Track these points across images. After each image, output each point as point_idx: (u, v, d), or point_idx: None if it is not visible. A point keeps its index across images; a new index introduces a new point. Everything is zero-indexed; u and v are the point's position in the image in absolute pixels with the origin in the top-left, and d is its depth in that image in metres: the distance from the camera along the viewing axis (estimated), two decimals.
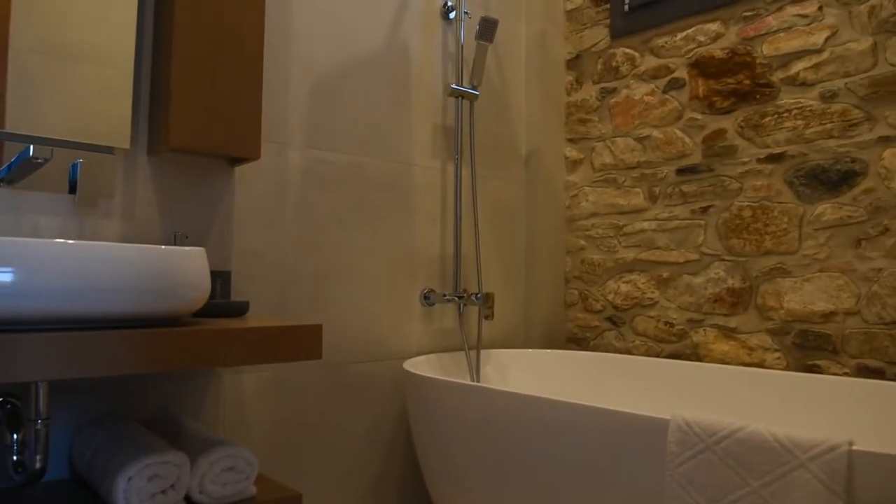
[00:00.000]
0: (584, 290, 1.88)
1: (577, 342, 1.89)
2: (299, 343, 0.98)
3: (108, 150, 1.15)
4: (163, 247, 0.87)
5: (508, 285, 1.86)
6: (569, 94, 1.96)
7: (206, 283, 0.94)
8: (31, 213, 1.09)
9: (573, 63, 1.95)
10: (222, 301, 1.12)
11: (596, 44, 1.89)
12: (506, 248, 1.86)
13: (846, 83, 1.40)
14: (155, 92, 1.20)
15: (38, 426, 0.91)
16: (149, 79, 1.21)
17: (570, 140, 1.95)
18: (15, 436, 0.93)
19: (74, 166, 1.12)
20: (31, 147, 0.96)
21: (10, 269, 0.75)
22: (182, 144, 1.14)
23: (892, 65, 1.34)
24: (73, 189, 1.12)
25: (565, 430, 1.06)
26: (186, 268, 0.89)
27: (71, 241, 0.80)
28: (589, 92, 1.90)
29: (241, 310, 1.14)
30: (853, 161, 1.38)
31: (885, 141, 1.34)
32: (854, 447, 0.75)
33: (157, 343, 0.83)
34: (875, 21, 1.37)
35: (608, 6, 1.86)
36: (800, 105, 1.47)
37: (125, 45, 1.15)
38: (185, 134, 1.14)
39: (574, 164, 1.94)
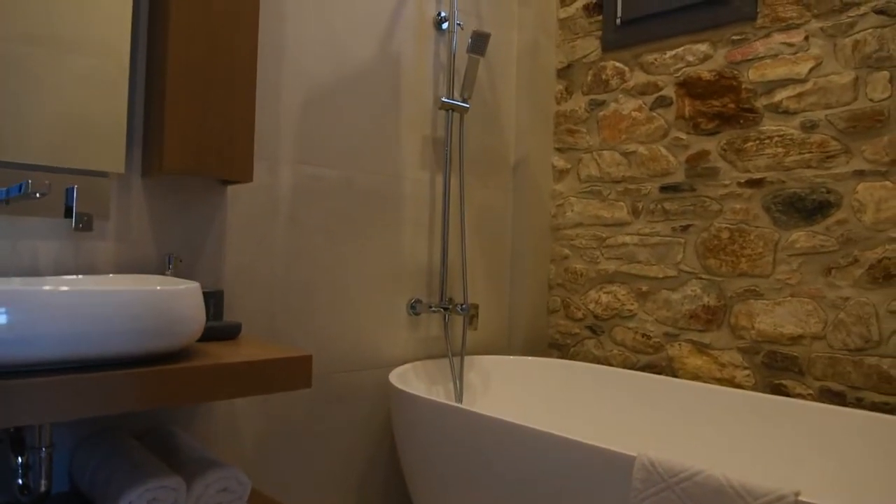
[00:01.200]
0: (567, 297, 1.94)
1: (558, 348, 1.96)
2: (290, 374, 1.03)
3: (103, 174, 1.18)
4: (158, 287, 0.91)
5: (493, 291, 1.91)
6: (558, 102, 1.98)
7: (201, 317, 0.98)
8: (29, 238, 1.11)
9: (564, 72, 1.97)
10: (215, 325, 1.16)
11: (587, 55, 1.91)
12: (492, 255, 1.91)
13: (826, 115, 1.44)
14: (148, 116, 1.21)
15: (42, 453, 0.95)
16: (142, 104, 1.23)
17: (558, 149, 1.98)
18: (19, 459, 0.98)
19: (70, 190, 1.14)
20: (29, 182, 0.99)
21: (9, 317, 0.78)
22: (176, 169, 1.16)
23: (871, 100, 1.38)
24: (69, 213, 1.15)
25: (538, 456, 1.13)
26: (182, 306, 0.93)
27: (66, 288, 0.83)
28: (578, 103, 1.93)
29: (233, 332, 1.18)
30: (828, 192, 1.43)
31: (859, 175, 1.39)
32: (800, 497, 0.82)
33: (154, 382, 0.88)
34: (858, 56, 1.40)
35: (601, 18, 1.87)
36: (781, 133, 1.50)
37: (119, 71, 1.16)
38: (178, 159, 1.17)
39: (561, 174, 1.97)
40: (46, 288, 0.82)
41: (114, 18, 1.16)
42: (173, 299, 0.92)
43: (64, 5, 1.11)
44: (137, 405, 0.86)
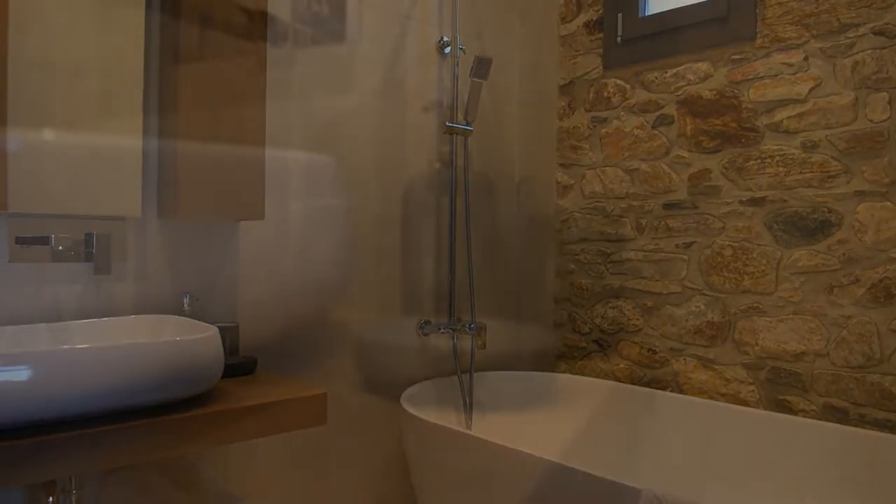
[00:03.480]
0: (573, 311, 1.97)
1: (565, 361, 1.99)
2: (306, 412, 1.07)
3: (121, 218, 1.21)
4: (178, 338, 0.95)
5: (501, 305, 1.94)
6: (561, 119, 2.00)
7: (220, 361, 1.02)
8: (51, 284, 1.15)
9: (566, 89, 1.99)
10: (233, 362, 1.20)
11: (589, 72, 1.92)
12: (498, 271, 1.94)
13: (827, 135, 1.46)
14: (163, 161, 1.25)
15: (73, 495, 1.00)
16: (156, 150, 1.26)
17: (562, 165, 2.00)
18: (50, 499, 1.03)
19: (89, 236, 1.18)
20: (52, 237, 1.03)
21: (32, 377, 0.81)
22: (191, 213, 1.20)
23: (871, 121, 1.40)
24: (88, 256, 1.19)
25: (546, 484, 1.16)
26: (202, 354, 0.97)
27: (86, 346, 0.86)
28: (581, 119, 1.95)
29: (249, 368, 1.22)
30: (829, 212, 1.45)
31: (860, 195, 1.41)
32: None
33: (176, 430, 0.92)
34: (857, 77, 1.41)
35: (601, 35, 1.88)
36: (782, 152, 1.52)
37: (134, 124, 1.19)
38: (193, 204, 1.20)
39: (565, 190, 1.99)
40: (65, 347, 0.86)
41: (127, 47, 1.19)
42: (193, 348, 0.96)
43: (75, 36, 1.14)
44: (162, 454, 0.90)
